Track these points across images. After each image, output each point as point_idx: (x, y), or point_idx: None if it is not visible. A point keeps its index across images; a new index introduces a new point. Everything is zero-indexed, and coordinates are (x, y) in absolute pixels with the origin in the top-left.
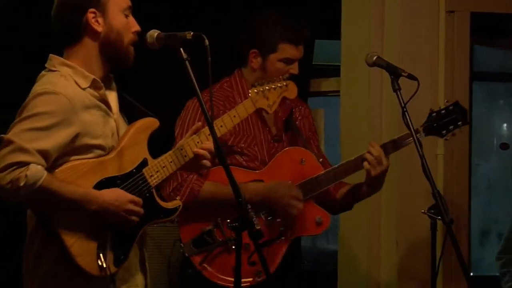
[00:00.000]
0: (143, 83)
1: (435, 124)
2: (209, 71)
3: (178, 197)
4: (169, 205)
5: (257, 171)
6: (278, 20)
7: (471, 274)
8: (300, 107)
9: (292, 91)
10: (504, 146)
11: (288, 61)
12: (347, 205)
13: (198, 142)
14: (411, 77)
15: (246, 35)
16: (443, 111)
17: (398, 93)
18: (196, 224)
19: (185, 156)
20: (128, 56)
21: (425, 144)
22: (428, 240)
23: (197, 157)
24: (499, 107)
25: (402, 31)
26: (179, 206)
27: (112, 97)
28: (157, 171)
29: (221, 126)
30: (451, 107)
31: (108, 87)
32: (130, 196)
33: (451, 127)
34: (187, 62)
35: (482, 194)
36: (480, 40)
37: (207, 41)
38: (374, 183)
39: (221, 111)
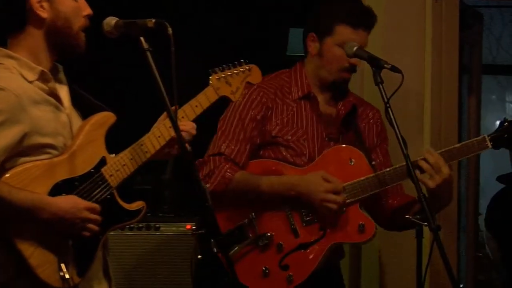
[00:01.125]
0: (97, 74)
1: (506, 135)
2: (172, 62)
3: (207, 185)
4: (133, 206)
5: (301, 168)
6: (339, 2)
7: (461, 286)
8: (369, 111)
9: (256, 75)
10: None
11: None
12: (410, 221)
13: (159, 137)
14: (394, 69)
15: (307, 19)
16: None
17: (381, 86)
18: (227, 217)
19: (146, 152)
20: (79, 44)
21: (410, 143)
22: (413, 249)
23: (173, 141)
24: (491, 102)
25: (385, 19)
26: (143, 207)
27: (63, 90)
28: (117, 170)
29: (183, 117)
30: None
31: (58, 79)
32: (86, 203)
33: None
34: (148, 53)
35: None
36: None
37: (170, 29)
38: (437, 196)
39: (271, 99)
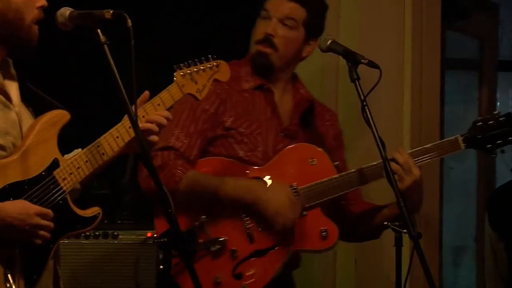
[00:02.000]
0: (51, 68)
1: (479, 136)
2: (131, 57)
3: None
4: (87, 212)
5: (257, 168)
6: None
7: None
8: (326, 112)
9: (224, 72)
10: None
11: (264, 16)
12: (373, 230)
13: (117, 137)
14: (372, 64)
15: None
16: (491, 122)
17: (357, 83)
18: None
19: (103, 154)
20: (31, 37)
21: (388, 144)
22: (392, 258)
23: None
24: (475, 100)
25: (362, 11)
26: (99, 213)
27: (12, 86)
28: (70, 173)
29: (143, 117)
30: (501, 119)
31: (7, 75)
32: (36, 208)
33: (500, 141)
34: (105, 46)
35: (456, 204)
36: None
37: (129, 21)
38: (407, 199)
39: (225, 90)
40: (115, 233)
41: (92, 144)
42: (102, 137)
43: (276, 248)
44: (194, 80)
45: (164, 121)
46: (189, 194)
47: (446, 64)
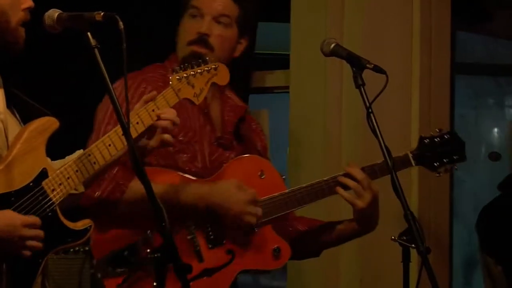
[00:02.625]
0: (38, 74)
1: (428, 154)
2: (124, 60)
3: (97, 193)
4: (78, 225)
5: (202, 180)
6: None
7: None
8: (252, 122)
9: (223, 75)
10: (494, 156)
11: (196, 14)
12: (317, 248)
13: (109, 145)
14: (377, 69)
15: None
16: (437, 139)
17: (362, 89)
18: (116, 235)
19: (95, 163)
20: (17, 40)
21: (395, 153)
22: (399, 275)
23: (152, 131)
24: (488, 107)
25: (367, 13)
26: (90, 226)
27: None
28: (60, 184)
29: (137, 123)
30: (446, 136)
31: None
32: (23, 218)
33: (446, 160)
34: (96, 50)
35: (466, 217)
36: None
37: (121, 24)
38: (367, 217)
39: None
40: None
41: (83, 152)
42: (94, 145)
43: (225, 267)
44: (191, 84)
45: (178, 120)
46: (133, 205)
47: (457, 68)
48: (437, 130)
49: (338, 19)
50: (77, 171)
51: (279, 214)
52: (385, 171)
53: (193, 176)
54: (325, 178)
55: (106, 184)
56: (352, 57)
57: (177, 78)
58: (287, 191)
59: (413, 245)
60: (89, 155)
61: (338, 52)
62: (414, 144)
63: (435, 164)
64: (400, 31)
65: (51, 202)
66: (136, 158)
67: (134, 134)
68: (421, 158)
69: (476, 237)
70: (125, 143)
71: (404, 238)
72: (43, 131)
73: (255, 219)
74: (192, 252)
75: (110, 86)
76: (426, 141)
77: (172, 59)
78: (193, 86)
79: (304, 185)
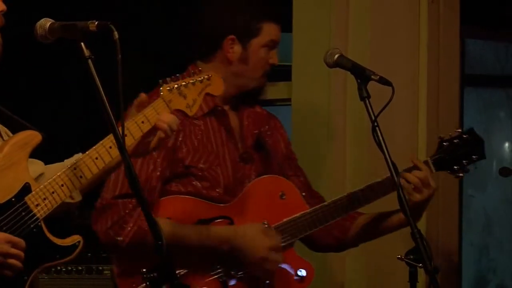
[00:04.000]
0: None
1: (447, 157)
2: (118, 71)
3: (120, 238)
4: (66, 241)
5: (223, 205)
6: None
7: None
8: (269, 118)
9: (217, 85)
10: (505, 172)
11: (272, 45)
12: (360, 240)
13: (96, 159)
14: (383, 81)
15: (211, 18)
16: (456, 140)
17: (367, 101)
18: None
19: (81, 177)
20: None
21: (401, 168)
22: None
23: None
24: (498, 121)
25: (373, 22)
26: (79, 242)
27: None
28: (44, 199)
29: (126, 136)
30: (465, 136)
31: None
32: (5, 236)
33: (465, 161)
34: (90, 61)
35: (476, 235)
36: (472, 33)
37: (116, 34)
38: (417, 211)
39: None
40: (100, 267)
41: (69, 166)
42: (80, 158)
43: None
44: (183, 94)
45: (175, 127)
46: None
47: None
48: (458, 130)
49: (343, 29)
50: (62, 185)
51: (301, 236)
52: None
53: (215, 201)
54: (345, 194)
55: (129, 229)
56: (357, 68)
57: (168, 89)
58: (308, 211)
59: (420, 265)
60: (75, 168)
61: (342, 63)
62: (422, 157)
63: (455, 167)
64: (407, 40)
65: (35, 217)
66: (131, 173)
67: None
68: (441, 163)
69: (486, 256)
70: (113, 156)
71: (411, 257)
72: (24, 145)
73: (276, 266)
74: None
75: (104, 97)
76: (445, 144)
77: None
78: (185, 97)
79: (325, 203)
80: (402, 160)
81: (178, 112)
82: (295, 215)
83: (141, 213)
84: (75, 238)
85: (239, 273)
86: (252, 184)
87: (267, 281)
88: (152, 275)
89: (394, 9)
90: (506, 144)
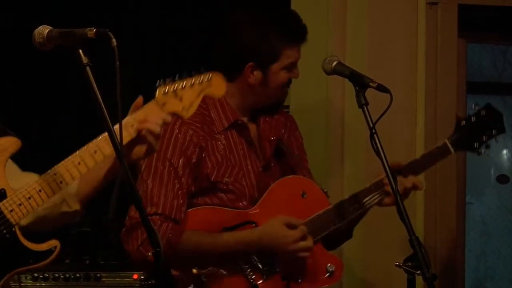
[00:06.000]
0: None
1: (466, 136)
2: (116, 79)
3: (150, 253)
4: (42, 246)
5: (248, 211)
6: (272, 19)
7: None
8: (283, 118)
9: (218, 86)
10: (503, 179)
11: (292, 66)
12: (350, 230)
13: (79, 163)
14: (381, 88)
15: (231, 44)
16: (473, 118)
17: (365, 109)
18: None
19: (61, 182)
20: None
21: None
22: None
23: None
24: None
25: (370, 29)
26: (55, 247)
27: None
28: (19, 204)
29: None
30: (482, 112)
31: None
32: None
33: (485, 137)
34: (88, 68)
35: (474, 242)
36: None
37: (114, 41)
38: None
39: (202, 137)
40: (98, 274)
41: (48, 171)
42: (61, 163)
43: None
44: (179, 96)
45: (158, 129)
46: (187, 257)
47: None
48: (473, 107)
49: (341, 37)
50: (40, 190)
51: (328, 231)
52: (426, 166)
53: (240, 210)
54: (366, 185)
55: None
56: (355, 75)
57: (164, 92)
58: (331, 207)
59: (418, 272)
60: (55, 174)
61: (341, 71)
62: None
63: (475, 144)
64: (405, 47)
65: (9, 223)
66: (128, 177)
67: (108, 151)
68: (460, 143)
69: (484, 263)
70: (97, 160)
71: (409, 264)
72: (2, 151)
73: (308, 252)
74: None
75: (102, 105)
76: (463, 123)
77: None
78: (181, 99)
79: (347, 197)
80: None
81: (197, 127)
82: (318, 212)
83: (169, 226)
84: (52, 243)
85: (266, 264)
86: (273, 187)
87: (299, 279)
88: (150, 282)
89: (392, 15)
90: (504, 152)
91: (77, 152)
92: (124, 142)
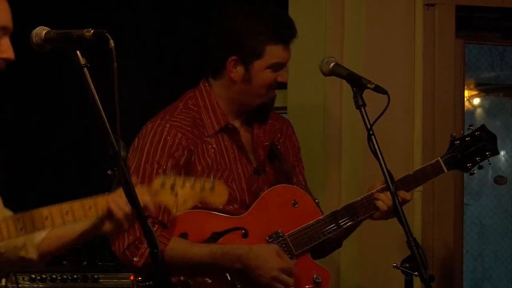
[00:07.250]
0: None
1: (459, 156)
2: (114, 81)
3: (136, 258)
4: None
5: (237, 217)
6: (260, 15)
7: None
8: (280, 123)
9: (220, 196)
10: (500, 181)
11: (277, 67)
12: (341, 240)
13: (46, 218)
14: (379, 89)
15: (217, 37)
16: (468, 138)
17: (363, 110)
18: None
19: (21, 229)
20: None
21: (397, 176)
22: None
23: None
24: (494, 130)
25: (367, 30)
26: None
27: None
28: None
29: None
30: (477, 133)
31: None
32: None
33: (478, 158)
34: (85, 69)
35: (472, 243)
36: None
37: (112, 42)
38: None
39: (191, 140)
40: (95, 276)
41: (15, 214)
42: (34, 211)
43: None
44: (175, 192)
45: (127, 209)
46: (173, 265)
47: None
48: (470, 128)
49: (338, 38)
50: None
51: (317, 242)
52: (418, 182)
53: (230, 214)
54: (358, 198)
55: (144, 249)
56: (353, 76)
57: (161, 183)
58: (321, 217)
59: (416, 273)
60: (19, 219)
61: (338, 72)
62: (418, 166)
63: (468, 165)
64: (403, 48)
65: None
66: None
67: (93, 218)
68: (453, 162)
69: (482, 264)
70: (66, 220)
71: (407, 265)
72: None
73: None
74: None
75: (100, 107)
76: (457, 143)
77: (205, 91)
78: (176, 195)
79: (338, 208)
80: (397, 168)
81: (187, 130)
82: (309, 223)
83: (157, 230)
84: None
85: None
86: (265, 195)
87: None
88: (147, 283)
89: (390, 17)
90: (502, 153)
91: (49, 207)
92: (99, 213)
